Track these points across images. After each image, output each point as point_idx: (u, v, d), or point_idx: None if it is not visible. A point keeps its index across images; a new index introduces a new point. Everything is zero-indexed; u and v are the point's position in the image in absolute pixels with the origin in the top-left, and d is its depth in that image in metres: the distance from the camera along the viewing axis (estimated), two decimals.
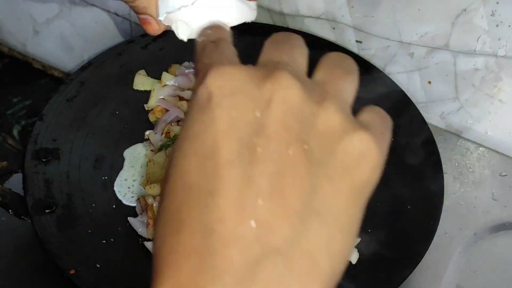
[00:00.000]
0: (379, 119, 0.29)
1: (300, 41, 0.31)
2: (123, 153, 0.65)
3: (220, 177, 0.24)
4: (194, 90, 0.27)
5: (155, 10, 0.41)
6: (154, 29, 0.43)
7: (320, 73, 0.29)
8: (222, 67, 0.27)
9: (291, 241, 0.24)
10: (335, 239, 0.25)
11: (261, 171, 0.24)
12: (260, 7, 0.78)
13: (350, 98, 0.29)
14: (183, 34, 0.40)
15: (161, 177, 0.61)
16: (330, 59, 0.31)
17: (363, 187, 0.27)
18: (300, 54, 0.30)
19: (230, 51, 0.31)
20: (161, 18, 0.41)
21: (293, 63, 0.29)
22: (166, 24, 0.41)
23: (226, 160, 0.25)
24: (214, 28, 0.36)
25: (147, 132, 0.66)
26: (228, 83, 0.26)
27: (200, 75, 0.28)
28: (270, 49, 0.30)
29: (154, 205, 0.58)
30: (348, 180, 0.26)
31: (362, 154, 0.26)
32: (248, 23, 0.81)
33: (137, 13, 0.41)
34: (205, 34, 0.34)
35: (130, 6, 0.42)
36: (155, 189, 0.60)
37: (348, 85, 0.29)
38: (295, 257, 0.24)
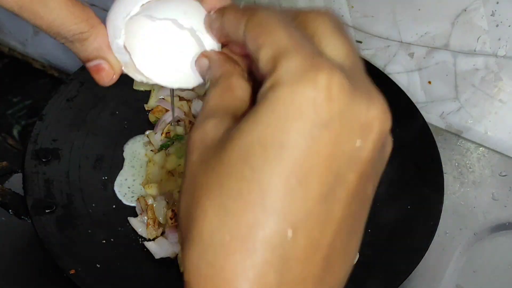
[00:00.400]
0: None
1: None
2: (123, 152, 0.65)
3: (309, 218, 0.24)
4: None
5: (108, 49, 0.33)
6: (109, 77, 0.34)
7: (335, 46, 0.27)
8: (337, 73, 0.24)
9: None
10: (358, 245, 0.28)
11: (344, 212, 0.25)
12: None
13: None
14: (138, 78, 0.35)
15: (161, 177, 0.61)
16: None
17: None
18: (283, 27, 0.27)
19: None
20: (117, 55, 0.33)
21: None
22: (124, 71, 0.34)
23: (317, 199, 0.24)
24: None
25: (147, 132, 0.66)
26: (342, 100, 0.24)
27: (297, 57, 0.24)
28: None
29: (154, 205, 0.58)
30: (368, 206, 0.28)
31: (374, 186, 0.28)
32: None
33: (85, 59, 0.33)
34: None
35: (76, 51, 0.33)
36: (155, 189, 0.60)
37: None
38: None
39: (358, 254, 0.56)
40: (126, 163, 0.64)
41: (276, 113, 0.23)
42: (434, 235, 0.57)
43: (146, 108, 0.68)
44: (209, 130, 0.26)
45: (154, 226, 0.57)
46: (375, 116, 0.25)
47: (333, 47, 0.27)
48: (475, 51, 0.67)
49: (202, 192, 0.25)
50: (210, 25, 0.31)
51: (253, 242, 0.23)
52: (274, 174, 0.23)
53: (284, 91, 0.24)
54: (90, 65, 0.33)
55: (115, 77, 0.34)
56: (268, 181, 0.23)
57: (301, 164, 0.23)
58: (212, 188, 0.24)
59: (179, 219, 0.27)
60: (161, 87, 0.69)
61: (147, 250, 0.57)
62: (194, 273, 0.27)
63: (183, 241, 0.26)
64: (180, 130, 0.65)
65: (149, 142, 0.65)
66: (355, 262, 0.55)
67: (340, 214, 0.24)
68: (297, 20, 0.27)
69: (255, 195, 0.23)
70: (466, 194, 0.67)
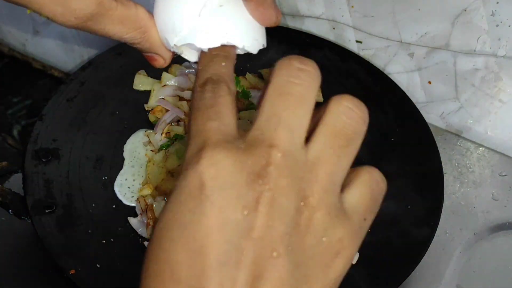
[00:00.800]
0: (368, 197, 0.30)
1: (311, 86, 0.29)
2: (123, 152, 0.65)
3: (208, 279, 0.26)
4: (185, 166, 0.28)
5: (158, 47, 0.40)
6: (161, 64, 0.43)
7: (317, 144, 0.29)
8: (216, 154, 0.28)
9: None
10: None
11: (246, 275, 0.26)
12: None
13: (342, 174, 0.29)
14: (192, 57, 0.39)
15: (161, 177, 0.61)
16: (333, 119, 0.29)
17: (336, 281, 0.29)
18: (304, 112, 0.29)
19: (228, 109, 0.30)
20: (170, 48, 0.40)
21: (292, 132, 0.28)
22: (176, 52, 0.41)
23: (215, 262, 0.26)
24: (218, 56, 0.35)
25: (147, 132, 0.66)
26: (220, 175, 0.27)
27: (193, 147, 0.29)
28: (270, 104, 0.29)
29: (154, 205, 0.58)
30: (323, 280, 0.28)
31: (337, 253, 0.28)
32: None
33: (141, 52, 0.41)
34: (207, 61, 0.34)
35: (134, 47, 0.41)
36: (155, 189, 0.60)
37: (345, 161, 0.29)
38: None
39: (358, 254, 0.56)
40: (126, 163, 0.64)
41: (176, 198, 0.28)
42: (434, 235, 0.57)
43: (146, 108, 0.68)
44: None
45: (153, 226, 0.57)
46: (259, 189, 0.27)
47: (353, 195, 0.30)
48: (475, 51, 0.67)
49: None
50: None
51: None
52: (178, 251, 0.27)
53: (182, 176, 0.28)
54: (145, 55, 0.41)
55: (166, 63, 0.42)
56: (174, 257, 0.28)
57: (196, 237, 0.27)
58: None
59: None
60: (161, 87, 0.69)
61: None
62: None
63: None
64: (180, 130, 0.65)
65: (149, 142, 0.65)
66: (355, 262, 0.55)
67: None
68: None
69: (166, 272, 0.28)
70: (466, 194, 0.67)
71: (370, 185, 0.31)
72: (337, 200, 0.29)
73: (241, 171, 0.27)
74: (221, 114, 0.30)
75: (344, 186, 0.30)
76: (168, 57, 0.41)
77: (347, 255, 0.29)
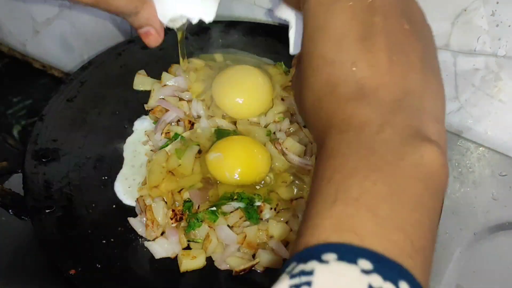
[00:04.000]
0: None
1: None
2: (123, 152, 0.65)
3: (357, 50, 0.33)
4: None
5: (154, 19, 0.46)
6: (156, 40, 0.48)
7: None
8: None
9: (420, 88, 0.33)
10: (441, 90, 0.35)
11: (386, 40, 0.34)
12: (260, 6, 0.78)
13: None
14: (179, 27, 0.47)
15: (161, 177, 0.61)
16: None
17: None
18: None
19: None
20: (165, 23, 0.44)
21: None
22: (170, 26, 0.44)
23: (357, 37, 0.34)
24: None
25: (147, 132, 0.66)
26: None
27: None
28: None
29: (153, 205, 0.58)
30: (434, 46, 0.37)
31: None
32: (249, 22, 0.81)
33: (138, 27, 0.47)
34: None
35: (131, 22, 0.46)
36: (154, 189, 0.60)
37: None
38: (424, 97, 0.33)
39: None
40: (126, 163, 0.64)
41: (313, 8, 0.36)
42: None
43: (146, 108, 0.68)
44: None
45: (152, 227, 0.57)
46: None
47: None
48: (475, 51, 0.67)
49: (301, 78, 0.37)
50: None
51: (333, 83, 0.34)
52: (325, 44, 0.35)
53: None
54: (141, 31, 0.47)
55: (160, 40, 0.48)
56: (324, 50, 0.35)
57: (334, 28, 0.35)
58: (304, 79, 0.36)
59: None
60: (161, 87, 0.69)
61: (147, 250, 0.57)
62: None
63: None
64: (180, 130, 0.65)
65: (149, 142, 0.65)
66: None
67: (382, 43, 0.34)
68: None
69: (321, 64, 0.35)
70: (466, 194, 0.67)
71: None
72: None
73: None
74: None
75: None
76: (162, 32, 0.46)
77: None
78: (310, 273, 0.27)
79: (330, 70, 0.34)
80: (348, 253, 0.27)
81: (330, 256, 0.27)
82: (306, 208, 0.32)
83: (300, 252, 0.29)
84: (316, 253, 0.28)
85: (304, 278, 0.26)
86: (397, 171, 0.30)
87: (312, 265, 0.27)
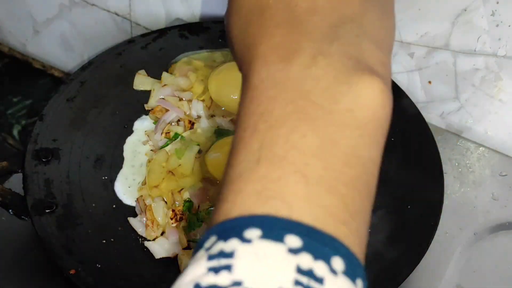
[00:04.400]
0: None
1: None
2: (123, 152, 0.65)
3: None
4: None
5: None
6: None
7: None
8: None
9: (360, 14, 0.30)
10: (387, 18, 0.32)
11: None
12: None
13: None
14: None
15: (162, 177, 0.61)
16: None
17: None
18: None
19: None
20: None
21: None
22: None
23: None
24: None
25: (147, 132, 0.66)
26: None
27: None
28: None
29: (153, 205, 0.58)
30: None
31: None
32: None
33: None
34: None
35: None
36: (154, 189, 0.60)
37: None
38: (363, 24, 0.30)
39: None
40: (126, 163, 0.64)
41: None
42: (434, 235, 0.57)
43: (146, 108, 0.68)
44: None
45: (152, 227, 0.57)
46: None
47: None
48: (475, 51, 0.67)
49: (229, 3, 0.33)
50: None
51: (263, 4, 0.30)
52: None
53: None
54: None
55: None
56: None
57: None
58: (231, 4, 0.32)
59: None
60: (161, 87, 0.69)
61: (147, 250, 0.57)
62: None
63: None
64: (180, 130, 0.65)
65: (149, 142, 0.65)
66: None
67: None
68: None
69: None
70: (466, 194, 0.67)
71: None
72: None
73: None
74: None
75: None
76: None
77: None
78: (230, 254, 0.23)
79: None
80: (274, 229, 0.24)
81: (254, 233, 0.24)
82: (228, 163, 0.28)
83: (220, 223, 0.25)
84: (238, 228, 0.24)
85: (223, 261, 0.23)
86: (329, 119, 0.27)
87: (232, 244, 0.24)
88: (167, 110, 0.66)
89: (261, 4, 0.30)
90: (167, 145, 0.64)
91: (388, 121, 0.29)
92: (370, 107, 0.28)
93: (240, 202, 0.25)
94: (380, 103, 0.28)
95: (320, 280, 0.23)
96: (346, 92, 0.27)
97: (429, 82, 0.72)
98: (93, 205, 0.59)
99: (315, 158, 0.26)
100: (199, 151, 0.63)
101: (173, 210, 0.58)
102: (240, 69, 0.31)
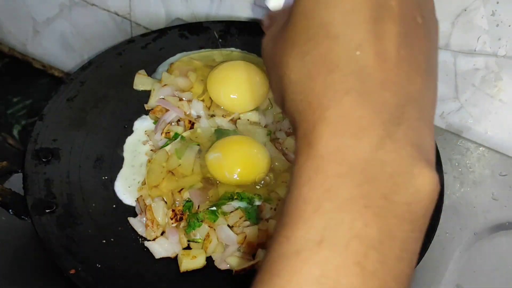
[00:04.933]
0: None
1: None
2: (123, 152, 0.65)
3: (367, 31, 0.29)
4: None
5: None
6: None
7: None
8: None
9: (422, 93, 0.30)
10: (436, 94, 0.32)
11: (399, 29, 0.30)
12: (260, 6, 0.78)
13: None
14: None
15: (162, 177, 0.61)
16: None
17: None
18: None
19: None
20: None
21: None
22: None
23: (369, 16, 0.30)
24: None
25: (147, 131, 0.66)
26: None
27: None
28: None
29: (153, 205, 0.58)
30: (437, 47, 0.34)
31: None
32: (249, 22, 0.81)
33: None
34: None
35: None
36: (155, 189, 0.60)
37: None
38: (424, 104, 0.30)
39: None
40: (126, 163, 0.64)
41: None
42: (434, 235, 0.57)
43: (146, 108, 0.68)
44: (276, 23, 0.35)
45: (152, 227, 0.57)
46: None
47: None
48: (475, 51, 0.67)
49: (281, 55, 0.32)
50: None
51: (332, 62, 0.29)
52: (331, 13, 0.30)
53: None
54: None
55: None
56: (328, 17, 0.30)
57: (346, 3, 0.30)
58: (292, 44, 0.32)
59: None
60: (161, 87, 0.69)
61: (147, 250, 0.57)
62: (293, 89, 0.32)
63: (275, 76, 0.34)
64: (180, 129, 0.65)
65: (149, 142, 0.65)
66: None
67: (393, 31, 0.30)
68: None
69: (321, 31, 0.30)
70: (466, 194, 0.67)
71: None
72: None
73: None
74: None
75: None
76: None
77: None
78: None
79: (331, 44, 0.30)
80: None
81: None
82: (281, 230, 0.28)
83: None
84: None
85: None
86: (390, 210, 0.27)
87: None
88: (167, 110, 0.66)
89: (330, 61, 0.30)
90: (167, 145, 0.64)
91: (432, 210, 0.30)
92: (424, 204, 0.29)
93: (296, 284, 0.26)
94: (432, 199, 0.29)
95: None
96: (408, 184, 0.28)
97: None
98: (93, 205, 0.59)
99: (374, 250, 0.27)
100: (199, 151, 0.63)
101: (173, 210, 0.58)
102: (293, 121, 0.31)
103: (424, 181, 0.28)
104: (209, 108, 0.67)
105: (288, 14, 0.33)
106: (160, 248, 0.57)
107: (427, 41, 0.31)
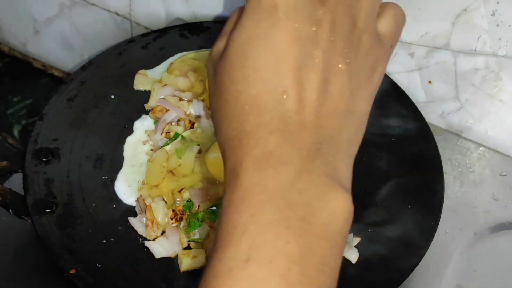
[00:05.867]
0: (395, 28, 0.39)
1: None
2: (123, 152, 0.65)
3: (292, 78, 0.33)
4: None
5: None
6: None
7: None
8: None
9: (338, 132, 0.34)
10: (360, 130, 0.36)
11: (318, 77, 0.34)
12: None
13: (378, 6, 0.37)
14: None
15: (162, 176, 0.61)
16: None
17: (374, 92, 0.38)
18: None
19: None
20: None
21: None
22: None
23: (294, 65, 0.33)
24: None
25: (147, 131, 0.66)
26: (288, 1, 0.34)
27: None
28: None
29: (152, 205, 0.58)
30: (368, 87, 0.37)
31: (376, 68, 0.37)
32: None
33: None
34: None
35: None
36: (155, 189, 0.60)
37: None
38: (340, 142, 0.34)
39: (358, 253, 0.56)
40: (126, 163, 0.64)
41: (252, 20, 0.35)
42: (434, 235, 0.57)
43: (146, 108, 0.68)
44: (218, 46, 0.39)
45: (152, 226, 0.57)
46: (324, 11, 0.35)
47: (384, 25, 0.38)
48: (475, 50, 0.67)
49: (220, 85, 0.36)
50: None
51: (262, 104, 0.34)
52: (262, 58, 0.34)
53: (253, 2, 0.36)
54: None
55: None
56: (258, 62, 0.34)
57: (275, 47, 0.34)
58: (229, 78, 0.35)
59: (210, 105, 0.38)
60: (161, 87, 0.69)
61: (147, 250, 0.57)
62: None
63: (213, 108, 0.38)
64: (180, 129, 0.65)
65: (149, 141, 0.65)
66: (354, 262, 0.55)
67: (314, 79, 0.34)
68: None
69: (252, 75, 0.34)
70: (466, 194, 0.67)
71: (396, 18, 0.39)
72: (375, 27, 0.37)
73: None
74: None
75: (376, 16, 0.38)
76: None
77: (381, 71, 0.38)
78: None
79: (261, 88, 0.34)
80: None
81: None
82: (214, 253, 0.31)
83: None
84: None
85: None
86: (308, 230, 0.31)
87: None
88: (167, 110, 0.66)
89: (260, 103, 0.34)
90: (167, 144, 0.64)
91: (348, 230, 0.34)
92: (339, 224, 0.32)
93: None
94: (347, 219, 0.33)
95: None
96: (323, 207, 0.32)
97: (429, 82, 0.72)
98: (93, 204, 0.59)
99: (296, 264, 0.30)
100: (199, 151, 0.63)
101: (173, 210, 0.58)
102: (223, 152, 0.35)
103: (338, 204, 0.32)
104: (209, 108, 0.67)
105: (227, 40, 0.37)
106: (160, 248, 0.57)
107: (350, 84, 0.35)
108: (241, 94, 0.34)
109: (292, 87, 0.33)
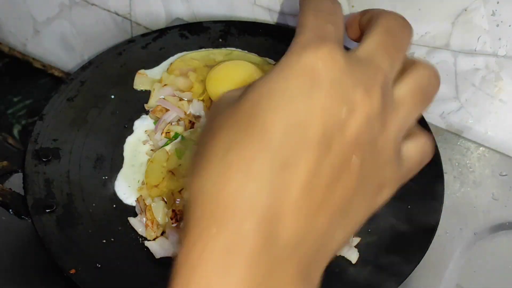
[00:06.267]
0: (419, 160, 0.36)
1: (408, 40, 0.37)
2: (123, 152, 0.65)
3: (305, 151, 0.29)
4: (296, 47, 0.31)
5: None
6: None
7: (404, 89, 0.33)
8: (336, 50, 0.30)
9: (325, 233, 0.30)
10: (348, 236, 0.32)
11: (330, 164, 0.29)
12: (260, 6, 0.78)
13: (410, 125, 0.34)
14: None
15: (162, 176, 0.61)
16: (419, 78, 0.34)
17: (374, 210, 0.33)
18: (402, 56, 0.34)
19: (342, 25, 0.35)
20: None
21: (392, 67, 0.33)
22: None
23: (313, 138, 0.29)
24: None
25: (147, 131, 0.66)
26: (335, 69, 0.30)
27: (309, 35, 0.31)
28: (380, 37, 0.34)
29: (152, 205, 0.58)
30: (370, 203, 0.32)
31: (383, 187, 0.33)
32: (249, 22, 0.81)
33: None
34: None
35: None
36: (155, 189, 0.60)
37: (417, 115, 0.34)
38: (328, 244, 0.31)
39: (358, 253, 0.56)
40: (126, 163, 0.64)
41: (282, 73, 0.30)
42: (434, 235, 0.57)
43: (146, 108, 0.68)
44: (231, 92, 0.33)
45: (152, 227, 0.57)
46: (360, 97, 0.30)
47: (410, 152, 0.35)
48: (475, 50, 0.67)
49: (214, 136, 0.31)
50: None
51: (252, 171, 0.28)
52: (272, 122, 0.29)
53: (291, 56, 0.30)
54: None
55: None
56: (271, 125, 0.29)
57: (297, 113, 0.29)
58: (221, 133, 0.30)
59: (194, 156, 0.33)
60: (161, 87, 0.69)
61: (147, 250, 0.57)
62: (198, 191, 0.31)
63: (194, 170, 0.32)
64: (180, 129, 0.65)
65: (149, 141, 0.65)
66: (354, 262, 0.55)
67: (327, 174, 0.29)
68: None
69: (259, 135, 0.29)
70: (466, 194, 0.67)
71: (423, 148, 0.36)
72: (400, 145, 0.33)
73: (351, 74, 0.30)
74: (338, 26, 0.34)
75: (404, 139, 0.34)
76: None
77: (388, 193, 0.34)
78: None
79: (262, 145, 0.29)
80: None
81: None
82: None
83: None
84: None
85: None
86: None
87: None
88: (167, 110, 0.66)
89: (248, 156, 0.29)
90: (167, 144, 0.64)
91: None
92: None
93: None
94: None
95: None
96: None
97: None
98: (93, 205, 0.59)
99: None
100: None
101: (173, 210, 0.58)
102: (189, 208, 0.33)
103: None
104: (209, 108, 0.67)
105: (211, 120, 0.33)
106: (160, 248, 0.57)
107: (356, 186, 0.31)
108: (229, 187, 0.30)
109: (299, 162, 0.29)
